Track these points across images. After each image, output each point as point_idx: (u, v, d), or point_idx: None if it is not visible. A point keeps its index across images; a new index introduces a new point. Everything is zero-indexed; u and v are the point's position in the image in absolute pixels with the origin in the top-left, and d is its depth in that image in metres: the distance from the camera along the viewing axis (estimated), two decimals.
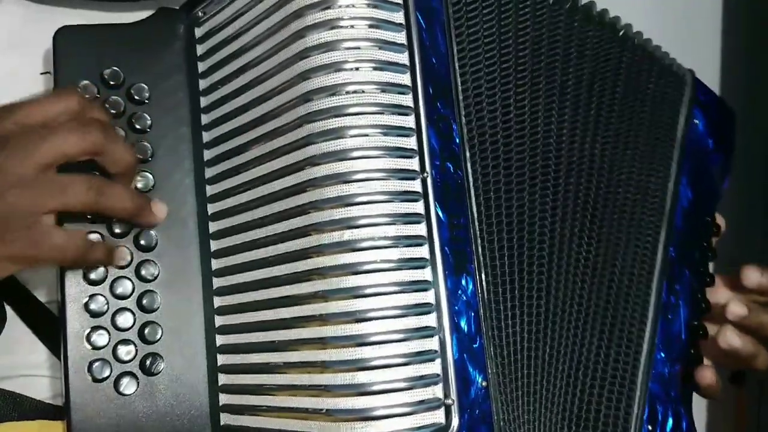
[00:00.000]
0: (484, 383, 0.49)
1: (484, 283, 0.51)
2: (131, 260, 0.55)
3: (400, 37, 0.50)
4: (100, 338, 0.54)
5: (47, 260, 0.51)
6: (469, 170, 0.52)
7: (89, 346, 0.54)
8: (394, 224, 0.48)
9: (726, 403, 1.07)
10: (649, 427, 0.57)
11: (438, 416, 0.47)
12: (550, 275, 0.55)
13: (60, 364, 0.55)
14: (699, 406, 0.65)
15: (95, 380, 0.53)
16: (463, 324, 0.49)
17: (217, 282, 0.56)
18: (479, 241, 0.51)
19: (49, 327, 0.59)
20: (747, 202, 1.23)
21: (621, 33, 0.64)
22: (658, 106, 0.65)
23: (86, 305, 0.54)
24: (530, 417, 0.52)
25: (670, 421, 0.59)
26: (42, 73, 0.59)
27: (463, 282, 0.50)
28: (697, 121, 0.68)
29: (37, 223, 0.48)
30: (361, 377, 0.46)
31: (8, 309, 0.61)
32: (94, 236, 0.54)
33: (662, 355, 0.59)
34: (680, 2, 0.69)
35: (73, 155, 0.49)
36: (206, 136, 0.58)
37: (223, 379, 0.55)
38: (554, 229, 0.56)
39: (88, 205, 0.49)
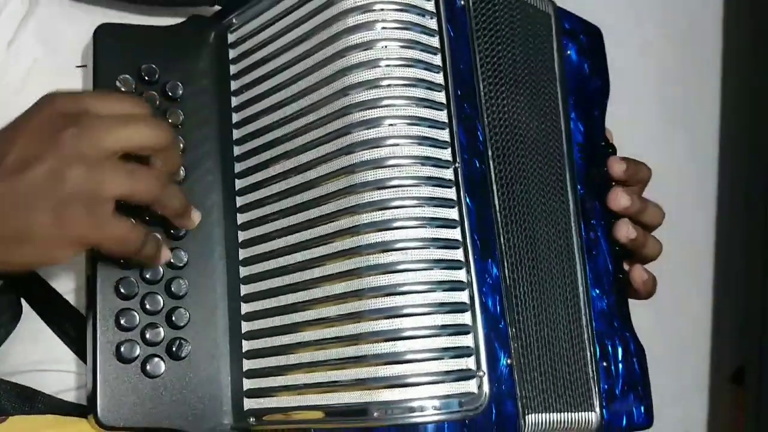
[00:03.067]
0: (508, 361, 0.52)
1: (505, 270, 0.54)
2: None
3: (434, 41, 0.54)
4: (130, 320, 0.55)
5: (107, 247, 0.50)
6: (492, 167, 0.56)
7: (118, 328, 0.55)
8: (429, 206, 0.51)
9: (726, 403, 1.11)
10: (604, 364, 0.60)
11: (471, 386, 0.49)
12: (544, 261, 0.58)
13: (78, 359, 0.56)
14: (699, 407, 0.68)
15: (123, 360, 0.54)
16: (490, 304, 0.52)
17: (244, 271, 0.58)
18: (501, 231, 0.55)
19: (67, 322, 0.60)
20: (748, 201, 1.24)
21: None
22: (537, 50, 0.65)
23: (117, 287, 0.55)
24: (545, 396, 0.54)
25: (620, 350, 0.62)
26: (78, 66, 0.61)
27: (489, 266, 0.53)
28: (569, 52, 0.68)
29: (102, 208, 0.48)
30: (400, 346, 0.48)
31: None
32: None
33: (596, 291, 0.62)
34: (680, 2, 0.72)
35: (142, 147, 0.50)
36: (236, 134, 0.60)
37: (247, 364, 0.56)
38: (539, 218, 0.59)
39: (151, 197, 0.50)
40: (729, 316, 1.14)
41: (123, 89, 0.58)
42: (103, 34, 0.59)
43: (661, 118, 0.69)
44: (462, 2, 0.58)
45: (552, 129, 0.64)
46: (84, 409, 0.56)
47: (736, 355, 1.15)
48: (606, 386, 0.59)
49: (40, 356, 0.60)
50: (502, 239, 0.55)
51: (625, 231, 0.64)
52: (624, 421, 0.60)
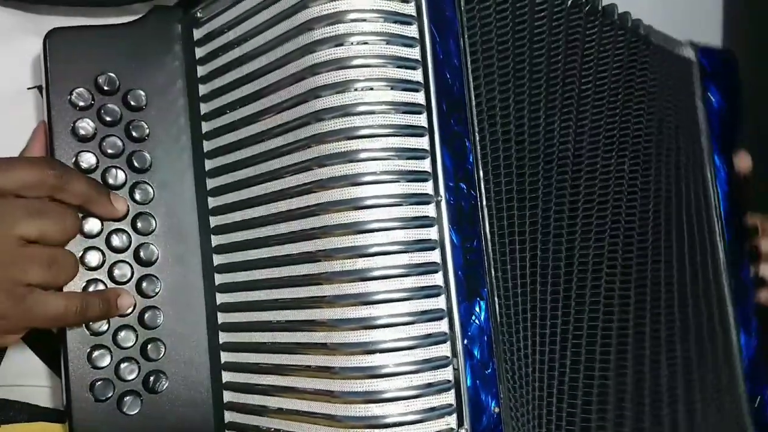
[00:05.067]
0: (496, 409, 0.48)
1: (496, 306, 0.50)
2: (131, 276, 0.54)
3: (414, 53, 0.48)
4: (102, 357, 0.52)
5: (49, 327, 0.50)
6: (482, 189, 0.50)
7: (90, 366, 0.52)
8: (407, 252, 0.46)
9: None
10: None
11: None
12: (568, 296, 0.54)
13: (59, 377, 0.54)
14: None
15: (98, 400, 0.52)
16: (476, 351, 0.48)
17: (221, 298, 0.55)
18: (492, 263, 0.50)
19: (47, 343, 0.58)
20: None
21: (643, 34, 0.63)
22: (677, 99, 0.65)
23: (87, 324, 0.52)
24: None
25: None
26: (29, 88, 0.56)
27: (476, 307, 0.49)
28: (711, 97, 0.68)
29: (29, 294, 0.47)
30: (376, 410, 0.45)
31: None
32: (99, 288, 0.52)
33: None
34: (680, 2, 0.67)
35: (45, 240, 0.48)
36: (207, 146, 0.56)
37: (228, 396, 0.54)
38: (572, 248, 0.54)
39: (45, 282, 0.48)
40: None
41: (80, 104, 0.53)
42: (55, 41, 0.53)
43: None
44: None
45: (691, 175, 0.64)
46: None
47: None
48: None
49: (13, 372, 0.59)
50: (492, 272, 0.50)
51: None
52: None
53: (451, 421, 0.47)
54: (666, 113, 0.64)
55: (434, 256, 0.47)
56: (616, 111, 0.60)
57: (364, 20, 0.47)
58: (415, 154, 0.47)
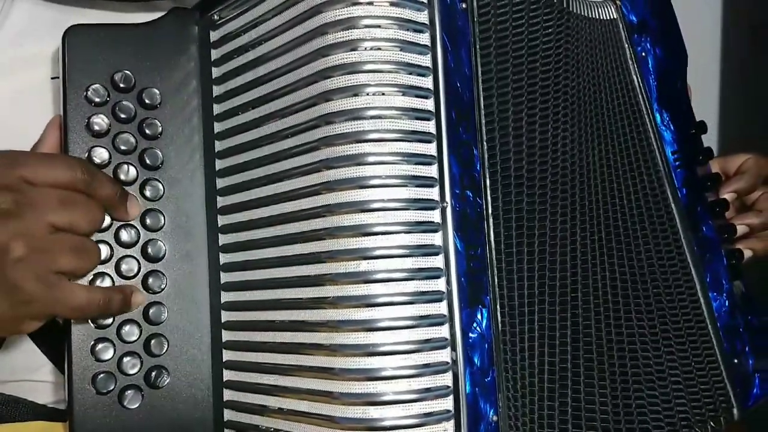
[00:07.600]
0: (494, 418, 0.48)
1: (498, 314, 0.50)
2: (138, 272, 0.54)
3: (425, 60, 0.49)
4: (105, 350, 0.53)
5: (69, 318, 0.51)
6: (489, 197, 0.51)
7: (93, 358, 0.53)
8: (411, 256, 0.47)
9: None
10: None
11: None
12: (576, 305, 0.54)
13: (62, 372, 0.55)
14: None
15: (99, 393, 0.53)
16: (476, 359, 0.48)
17: (226, 297, 0.55)
18: (495, 271, 0.50)
19: (51, 336, 0.58)
20: None
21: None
22: (605, 67, 0.62)
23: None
24: None
25: (747, 348, 0.63)
26: (53, 78, 0.57)
27: (478, 314, 0.49)
28: (643, 53, 0.64)
29: (58, 282, 0.48)
30: (373, 412, 0.46)
31: None
32: (106, 281, 0.53)
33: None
34: (680, 2, 0.68)
35: (75, 230, 0.49)
36: (219, 146, 0.56)
37: (228, 394, 0.54)
38: (575, 256, 0.54)
39: (74, 269, 0.49)
40: None
41: (96, 100, 0.54)
42: (74, 38, 0.54)
43: None
44: (464, 5, 0.51)
45: (637, 150, 0.62)
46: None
47: None
48: None
49: (15, 366, 0.59)
50: (495, 280, 0.50)
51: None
52: None
53: (449, 427, 0.47)
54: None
55: (438, 261, 0.47)
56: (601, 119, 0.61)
57: (378, 26, 0.48)
58: (422, 159, 0.48)
